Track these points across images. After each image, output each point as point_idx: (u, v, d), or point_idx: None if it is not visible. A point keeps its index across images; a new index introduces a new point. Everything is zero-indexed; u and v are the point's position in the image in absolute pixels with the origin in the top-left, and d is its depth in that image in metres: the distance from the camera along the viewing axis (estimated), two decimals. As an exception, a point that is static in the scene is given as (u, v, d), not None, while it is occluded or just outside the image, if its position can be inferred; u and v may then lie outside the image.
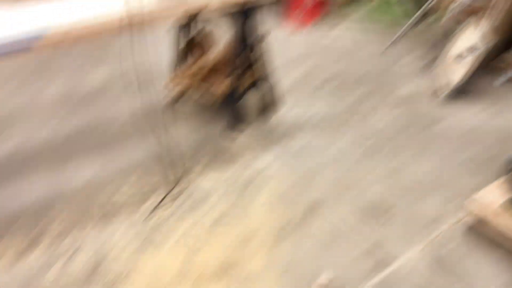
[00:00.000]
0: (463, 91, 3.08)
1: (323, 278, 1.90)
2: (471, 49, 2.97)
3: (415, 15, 3.84)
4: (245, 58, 2.75)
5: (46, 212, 2.34)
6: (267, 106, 3.11)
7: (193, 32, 3.08)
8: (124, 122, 3.08)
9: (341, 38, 4.25)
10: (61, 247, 2.13)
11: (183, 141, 2.85)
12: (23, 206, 2.39)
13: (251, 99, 3.25)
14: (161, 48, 3.21)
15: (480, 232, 2.04)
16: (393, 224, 2.17)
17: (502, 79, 3.24)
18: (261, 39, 2.79)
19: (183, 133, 2.93)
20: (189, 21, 2.98)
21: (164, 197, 2.39)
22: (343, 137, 2.83)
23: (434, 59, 3.45)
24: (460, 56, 3.08)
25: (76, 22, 1.94)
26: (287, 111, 3.13)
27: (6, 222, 2.29)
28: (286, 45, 4.15)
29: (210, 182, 2.50)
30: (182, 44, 2.99)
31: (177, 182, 2.48)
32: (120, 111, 3.21)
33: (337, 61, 3.81)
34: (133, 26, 2.04)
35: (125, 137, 2.92)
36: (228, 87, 2.83)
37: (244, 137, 2.87)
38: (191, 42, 3.00)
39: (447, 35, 3.33)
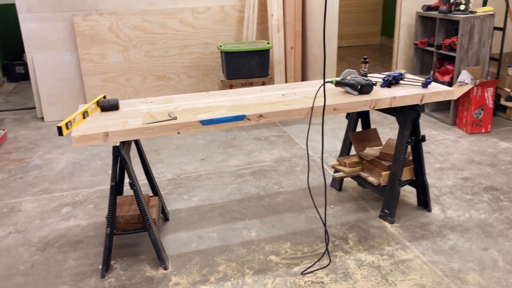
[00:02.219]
0: None
1: None
2: None
3: None
4: (406, 155, 3.01)
5: (216, 257, 2.83)
6: (421, 203, 3.27)
7: (363, 126, 3.49)
8: (288, 196, 3.54)
9: (510, 151, 4.20)
10: (224, 287, 2.57)
11: (338, 220, 3.16)
12: (199, 248, 2.93)
13: (407, 194, 3.45)
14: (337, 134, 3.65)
15: None
16: None
17: None
18: (422, 139, 3.05)
19: (339, 213, 3.25)
20: (359, 116, 3.41)
21: (314, 263, 2.69)
22: (497, 247, 2.82)
23: None
24: None
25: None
26: (441, 211, 3.23)
27: (185, 258, 2.84)
28: (451, 149, 4.27)
29: (356, 262, 2.73)
30: (350, 136, 3.40)
31: (326, 254, 2.77)
32: (286, 186, 3.69)
33: (503, 173, 3.78)
34: (315, 113, 2.54)
35: (287, 209, 3.36)
36: (386, 179, 3.11)
37: (394, 227, 3.06)
38: (358, 135, 3.40)
39: None
